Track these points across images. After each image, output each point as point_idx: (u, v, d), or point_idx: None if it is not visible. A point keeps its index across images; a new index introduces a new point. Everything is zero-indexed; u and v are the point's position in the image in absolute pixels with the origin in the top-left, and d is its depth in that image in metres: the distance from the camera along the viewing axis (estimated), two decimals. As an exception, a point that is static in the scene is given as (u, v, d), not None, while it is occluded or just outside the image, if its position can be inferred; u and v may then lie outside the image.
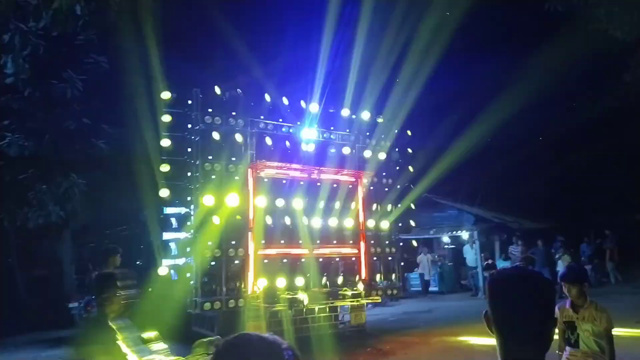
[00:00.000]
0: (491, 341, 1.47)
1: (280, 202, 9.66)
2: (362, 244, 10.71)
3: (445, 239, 19.41)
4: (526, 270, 1.53)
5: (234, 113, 9.59)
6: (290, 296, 9.10)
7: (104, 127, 12.92)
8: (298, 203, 9.86)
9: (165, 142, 9.12)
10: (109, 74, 12.82)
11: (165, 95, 9.24)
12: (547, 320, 1.44)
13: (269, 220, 9.76)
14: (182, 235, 9.29)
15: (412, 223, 12.26)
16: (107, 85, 12.61)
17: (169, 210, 9.30)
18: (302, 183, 10.14)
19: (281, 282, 9.29)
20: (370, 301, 10.52)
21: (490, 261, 16.91)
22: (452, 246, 19.52)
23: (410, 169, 11.65)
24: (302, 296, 9.18)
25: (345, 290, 10.00)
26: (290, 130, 10.13)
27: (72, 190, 12.39)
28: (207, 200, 8.89)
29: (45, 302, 13.59)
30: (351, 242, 10.80)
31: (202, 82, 9.95)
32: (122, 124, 12.48)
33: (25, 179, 12.18)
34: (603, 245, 17.76)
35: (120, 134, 12.67)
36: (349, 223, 10.55)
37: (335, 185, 10.66)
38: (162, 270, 9.35)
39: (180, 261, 9.18)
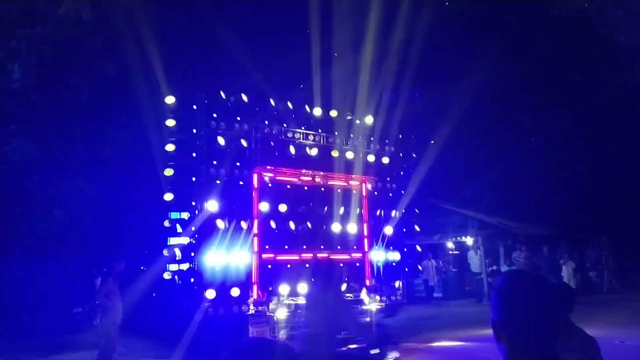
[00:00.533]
0: (495, 348, 1.43)
1: (284, 207, 9.63)
2: (366, 250, 10.66)
3: (450, 244, 19.31)
4: (532, 275, 1.51)
5: (238, 118, 9.59)
6: (294, 302, 9.05)
7: (109, 132, 12.96)
8: (302, 208, 9.83)
9: (170, 147, 9.12)
10: (114, 79, 12.87)
11: (170, 99, 9.25)
12: (556, 324, 1.42)
13: (273, 225, 9.73)
14: (186, 240, 9.26)
15: (417, 228, 12.19)
16: (112, 91, 12.66)
17: (173, 215, 9.28)
18: (306, 188, 10.11)
19: (285, 287, 9.25)
20: (373, 307, 10.44)
21: (494, 267, 16.84)
22: (457, 252, 19.41)
23: (415, 174, 11.61)
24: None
25: (349, 296, 9.94)
26: (295, 135, 10.10)
27: (77, 196, 12.41)
28: (212, 205, 8.87)
29: (49, 307, 13.59)
30: (355, 247, 10.75)
31: (207, 87, 9.96)
32: (127, 128, 12.52)
33: (31, 184, 12.21)
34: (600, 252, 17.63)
35: (125, 138, 12.71)
36: (352, 228, 10.50)
37: (339, 191, 10.63)
38: (166, 276, 9.32)
39: (184, 266, 9.14)
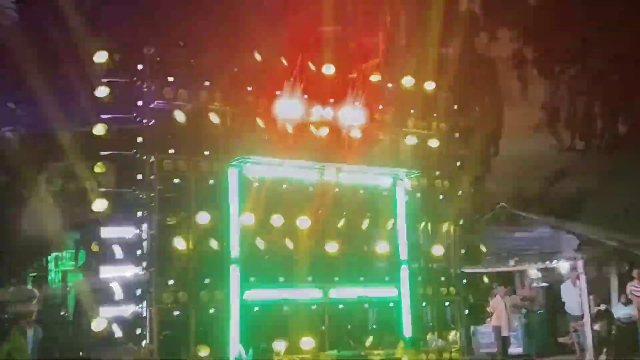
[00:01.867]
0: None
1: (278, 219, 9.63)
2: (404, 282, 10.67)
3: (534, 272, 19.26)
4: None
5: (207, 83, 9.60)
6: (295, 362, 9.11)
7: (9, 106, 13.05)
8: (305, 219, 9.82)
9: (102, 129, 9.12)
10: (17, 26, 12.95)
11: (101, 57, 9.25)
12: None
13: (261, 246, 9.73)
14: (129, 270, 9.29)
15: (483, 249, 12.18)
16: (14, 45, 12.72)
17: (108, 232, 9.30)
18: (311, 189, 10.12)
19: (280, 342, 9.26)
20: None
21: (603, 307, 16.74)
22: (545, 284, 19.38)
23: (479, 165, 11.61)
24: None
25: (379, 353, 9.97)
26: (295, 107, 10.07)
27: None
28: (168, 216, 8.91)
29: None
30: (387, 278, 10.76)
31: (158, 40, 9.99)
32: (36, 101, 12.58)
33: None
34: None
35: (34, 116, 12.78)
36: (382, 249, 10.49)
37: (361, 192, 10.63)
38: (99, 325, 9.35)
39: (127, 310, 9.18)
